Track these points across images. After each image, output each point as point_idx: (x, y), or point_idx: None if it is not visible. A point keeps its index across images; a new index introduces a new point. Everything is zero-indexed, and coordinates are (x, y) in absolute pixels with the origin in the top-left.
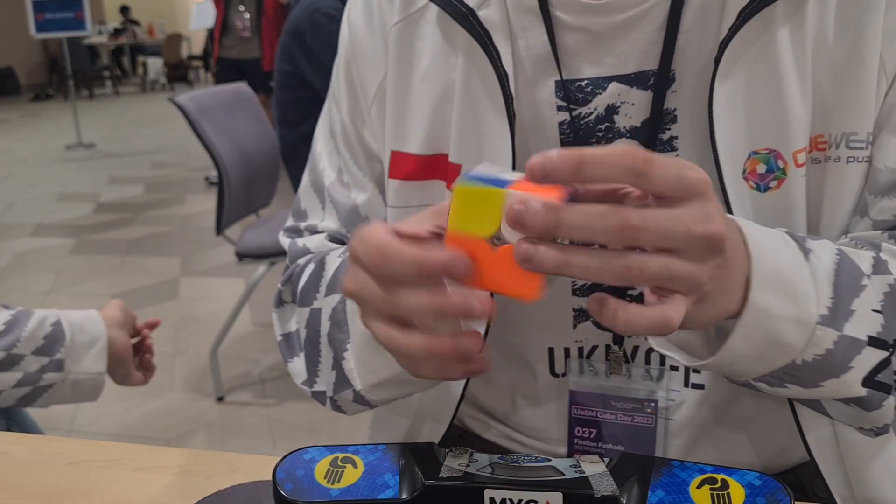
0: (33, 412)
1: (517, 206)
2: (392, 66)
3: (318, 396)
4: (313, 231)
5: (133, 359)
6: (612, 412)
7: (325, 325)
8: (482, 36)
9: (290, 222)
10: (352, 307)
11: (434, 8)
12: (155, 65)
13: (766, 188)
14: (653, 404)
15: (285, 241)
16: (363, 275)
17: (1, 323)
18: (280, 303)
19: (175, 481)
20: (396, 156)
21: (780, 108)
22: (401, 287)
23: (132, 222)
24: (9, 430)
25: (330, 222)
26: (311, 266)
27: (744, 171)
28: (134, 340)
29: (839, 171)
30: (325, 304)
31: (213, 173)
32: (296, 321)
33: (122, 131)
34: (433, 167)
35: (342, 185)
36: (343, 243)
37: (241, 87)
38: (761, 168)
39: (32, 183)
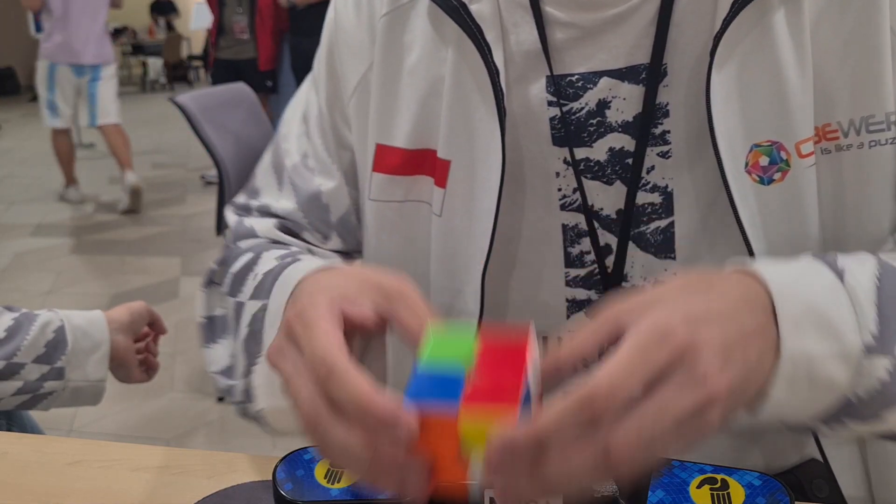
0: (33, 412)
1: (498, 456)
2: (379, 58)
3: (229, 392)
4: (264, 212)
5: (136, 359)
6: None
7: (243, 331)
8: (473, 31)
9: (240, 198)
10: (270, 322)
11: (425, 0)
12: (155, 65)
13: (770, 181)
14: None
15: (232, 219)
16: (297, 357)
17: (2, 329)
18: (209, 283)
19: (175, 481)
20: (382, 149)
21: (781, 99)
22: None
23: (132, 222)
24: (9, 430)
25: (286, 203)
26: (247, 256)
27: (746, 165)
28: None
29: (863, 158)
30: (249, 307)
31: (210, 172)
32: (222, 307)
33: None
34: (420, 162)
35: (306, 168)
36: (293, 233)
37: (241, 87)
38: (764, 161)
39: (32, 183)
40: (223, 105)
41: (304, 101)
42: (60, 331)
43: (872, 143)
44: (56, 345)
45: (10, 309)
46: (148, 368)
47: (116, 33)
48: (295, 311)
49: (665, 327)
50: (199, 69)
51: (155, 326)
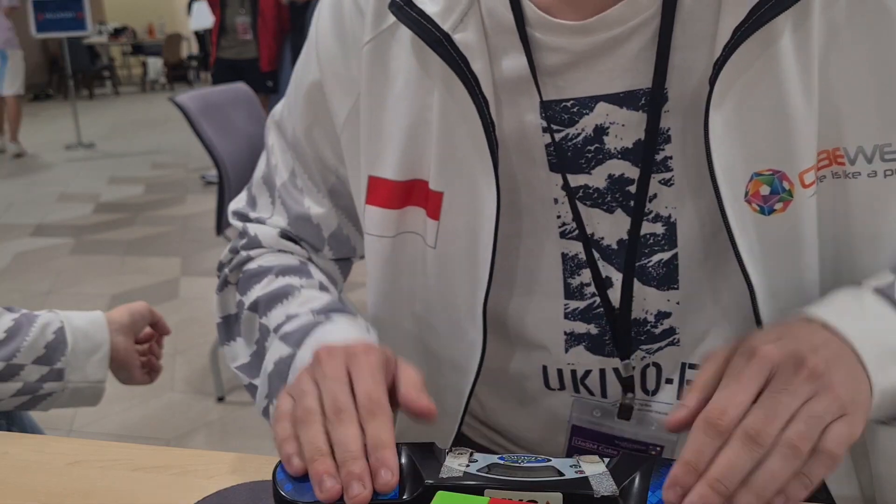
0: (33, 413)
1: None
2: (365, 88)
3: (251, 389)
4: (261, 223)
5: (138, 360)
6: (615, 449)
7: (268, 363)
8: (459, 63)
9: (240, 204)
10: (298, 367)
11: (405, 29)
12: (155, 65)
13: (771, 211)
14: (658, 449)
15: (238, 224)
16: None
17: (2, 331)
18: (224, 285)
19: (175, 481)
20: (374, 181)
21: (784, 128)
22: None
23: (132, 222)
24: (9, 430)
25: (279, 220)
26: (273, 282)
27: (746, 194)
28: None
29: (874, 186)
30: (276, 346)
31: (210, 172)
32: (236, 306)
33: (122, 131)
34: (410, 193)
35: (295, 188)
36: (292, 240)
37: (242, 87)
38: (765, 190)
39: (32, 183)
40: (223, 105)
41: (281, 116)
42: (60, 332)
43: (889, 172)
44: (56, 346)
45: (9, 310)
46: (150, 370)
47: (116, 33)
48: (344, 356)
49: (752, 347)
50: (199, 69)
51: (157, 327)
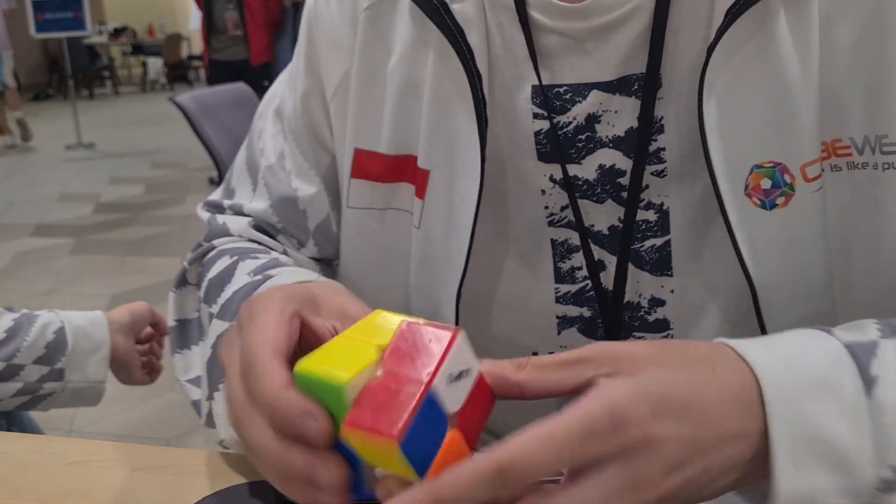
0: (33, 413)
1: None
2: (359, 57)
3: (198, 405)
4: (237, 211)
5: (139, 360)
6: None
7: (207, 351)
8: (454, 33)
9: (215, 196)
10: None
11: None
12: (155, 65)
13: (773, 205)
14: None
15: (204, 215)
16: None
17: (2, 331)
18: (182, 283)
19: (175, 481)
20: (361, 154)
21: (785, 117)
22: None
23: (132, 222)
24: (9, 430)
25: (258, 203)
26: (224, 261)
27: (746, 187)
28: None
29: (873, 180)
30: (215, 326)
31: (216, 173)
32: (195, 308)
33: (122, 131)
34: (401, 169)
35: (282, 170)
36: (267, 233)
37: (241, 86)
38: (766, 183)
39: (32, 183)
40: (223, 105)
41: (280, 95)
42: (60, 332)
43: (886, 166)
44: (56, 346)
45: (10, 310)
46: (151, 370)
47: (116, 33)
48: (247, 304)
49: (623, 414)
50: (199, 69)
51: (158, 327)
